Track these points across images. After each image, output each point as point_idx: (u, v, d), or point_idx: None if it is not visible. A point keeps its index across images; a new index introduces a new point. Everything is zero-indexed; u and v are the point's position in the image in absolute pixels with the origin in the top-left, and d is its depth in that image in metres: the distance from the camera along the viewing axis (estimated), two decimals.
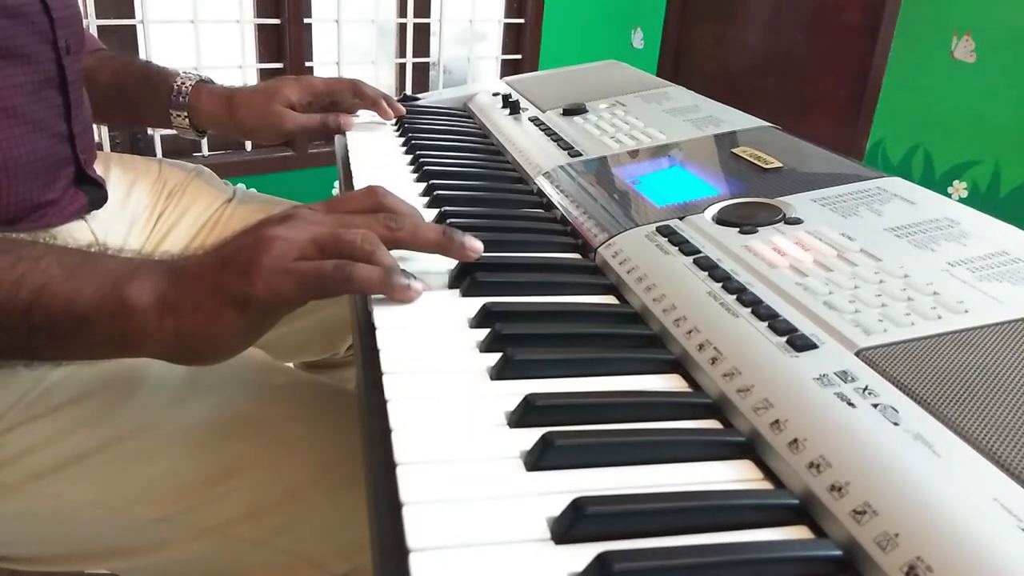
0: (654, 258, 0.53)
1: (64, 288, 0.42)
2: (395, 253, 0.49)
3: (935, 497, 0.30)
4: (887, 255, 0.48)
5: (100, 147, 0.79)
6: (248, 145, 1.96)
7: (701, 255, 0.51)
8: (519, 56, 2.39)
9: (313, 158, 2.03)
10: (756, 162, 0.66)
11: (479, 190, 0.73)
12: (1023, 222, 0.51)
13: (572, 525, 0.31)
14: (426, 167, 0.77)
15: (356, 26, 2.08)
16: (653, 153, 0.74)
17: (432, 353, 0.44)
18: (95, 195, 0.73)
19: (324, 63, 2.02)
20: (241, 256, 0.44)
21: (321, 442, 0.57)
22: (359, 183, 0.73)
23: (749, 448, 0.38)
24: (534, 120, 0.89)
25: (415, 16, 2.15)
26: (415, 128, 0.91)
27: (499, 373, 0.42)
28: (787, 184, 0.61)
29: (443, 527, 0.31)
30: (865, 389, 0.37)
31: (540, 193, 0.72)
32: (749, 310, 0.44)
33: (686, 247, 0.52)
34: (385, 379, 0.40)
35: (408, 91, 2.17)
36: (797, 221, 0.54)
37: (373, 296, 0.48)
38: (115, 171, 0.83)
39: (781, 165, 0.65)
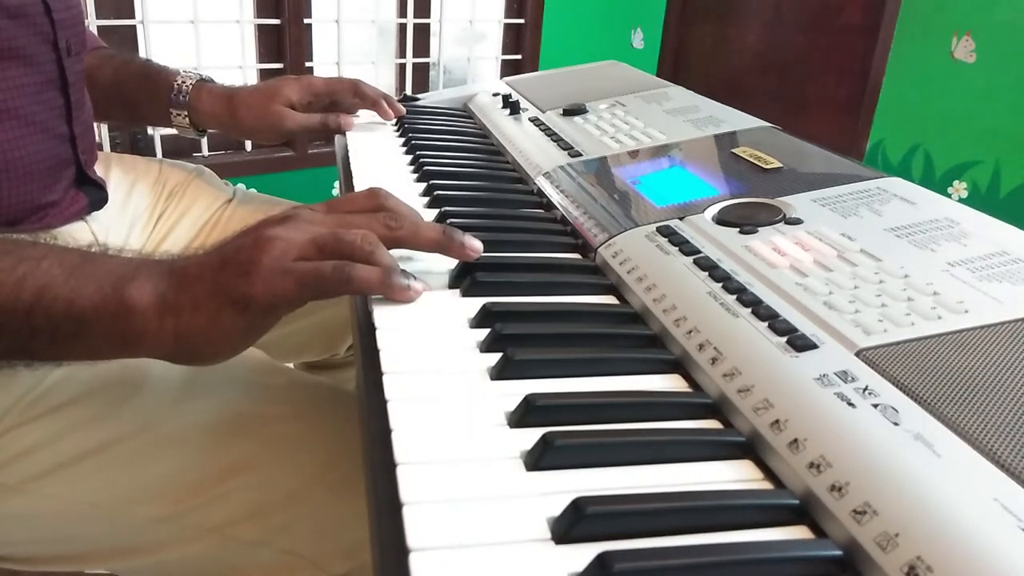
0: (654, 258, 0.53)
1: (65, 289, 0.43)
2: (395, 253, 0.49)
3: (935, 497, 0.30)
4: (887, 255, 0.48)
5: (100, 147, 0.79)
6: (248, 145, 1.96)
7: (701, 255, 0.51)
8: (519, 56, 2.39)
9: (313, 158, 2.03)
10: (756, 162, 0.66)
11: (479, 190, 0.73)
12: (1023, 222, 0.51)
13: (572, 525, 0.31)
14: (426, 167, 0.77)
15: (356, 26, 2.08)
16: (653, 153, 0.74)
17: (432, 353, 0.44)
18: (96, 196, 0.73)
19: (324, 63, 2.02)
20: (241, 256, 0.44)
21: (321, 442, 0.57)
22: (359, 183, 0.73)
23: (749, 448, 0.38)
24: (534, 120, 0.90)
25: (415, 16, 2.15)
26: (415, 128, 0.91)
27: (499, 373, 0.42)
28: (787, 184, 0.61)
29: (443, 527, 0.31)
30: (865, 389, 0.37)
31: (540, 193, 0.72)
32: (749, 310, 0.44)
33: (686, 247, 0.52)
34: (385, 379, 0.40)
35: (408, 91, 2.18)
36: (797, 221, 0.54)
37: (373, 296, 0.48)
38: (115, 172, 0.83)
39: (781, 165, 0.65)
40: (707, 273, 0.49)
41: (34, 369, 0.54)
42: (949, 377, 0.37)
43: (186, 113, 0.85)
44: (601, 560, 0.29)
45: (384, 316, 0.46)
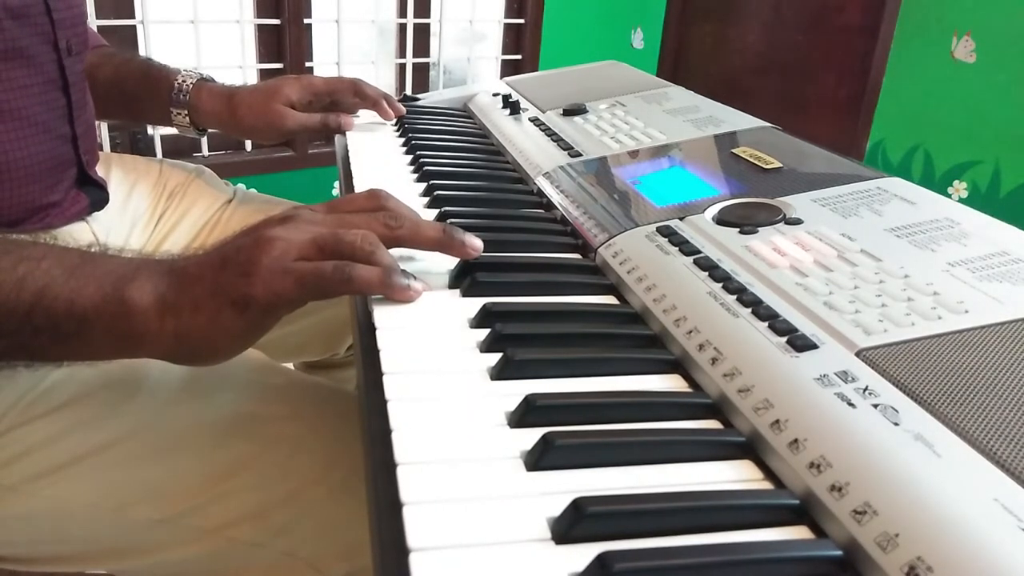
0: (654, 258, 0.53)
1: (65, 289, 0.42)
2: (395, 253, 0.49)
3: (935, 497, 0.30)
4: (887, 255, 0.48)
5: (100, 147, 0.78)
6: (248, 145, 1.96)
7: (701, 255, 0.51)
8: (519, 56, 2.39)
9: (313, 158, 2.03)
10: (756, 162, 0.66)
11: (479, 190, 0.73)
12: (1023, 222, 0.51)
13: (572, 525, 0.31)
14: (426, 167, 0.77)
15: (356, 26, 2.08)
16: (653, 153, 0.74)
17: (432, 353, 0.44)
18: (97, 196, 0.73)
19: (324, 63, 2.02)
20: (241, 256, 0.44)
21: (321, 443, 0.57)
22: (359, 183, 0.73)
23: (749, 448, 0.38)
24: (534, 120, 0.90)
25: (415, 16, 2.15)
26: (415, 128, 0.91)
27: (499, 373, 0.42)
28: (787, 184, 0.61)
29: (443, 527, 0.31)
30: (865, 389, 0.37)
31: (540, 193, 0.72)
32: (749, 310, 0.44)
33: (686, 247, 0.52)
34: (385, 379, 0.40)
35: (408, 91, 2.18)
36: (797, 221, 0.54)
37: (373, 296, 0.48)
38: (116, 172, 0.83)
39: (781, 165, 0.65)
40: (707, 273, 0.49)
41: (34, 369, 0.54)
42: (949, 377, 0.37)
43: (186, 112, 0.85)
44: (601, 560, 0.29)
45: (384, 316, 0.46)
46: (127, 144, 1.72)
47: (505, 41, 2.40)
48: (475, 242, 0.51)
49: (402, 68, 2.21)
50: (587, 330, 0.49)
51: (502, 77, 1.55)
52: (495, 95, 1.03)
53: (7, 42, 0.59)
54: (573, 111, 0.88)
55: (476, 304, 0.48)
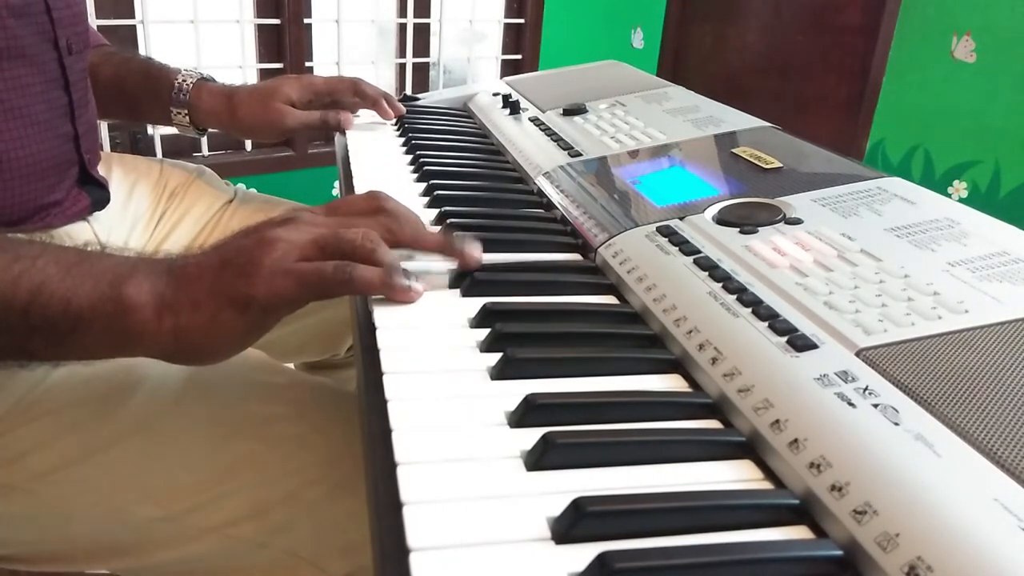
0: (654, 258, 0.53)
1: (61, 287, 0.42)
2: (395, 253, 0.49)
3: (935, 497, 0.30)
4: (887, 255, 0.48)
5: (101, 147, 0.78)
6: (248, 145, 1.96)
7: (701, 255, 0.51)
8: (519, 56, 2.39)
9: (313, 158, 2.03)
10: (756, 162, 0.66)
11: (479, 190, 0.73)
12: (1023, 222, 0.51)
13: (572, 525, 0.31)
14: (426, 167, 0.77)
15: (356, 26, 2.07)
16: (653, 153, 0.74)
17: (432, 353, 0.44)
18: (98, 196, 0.73)
19: (324, 63, 2.02)
20: (242, 257, 0.44)
21: (321, 442, 0.57)
22: (359, 183, 0.73)
23: (749, 448, 0.38)
24: (534, 120, 0.90)
25: (415, 16, 2.15)
26: (415, 128, 0.91)
27: (499, 373, 0.42)
28: (787, 184, 0.61)
29: (443, 527, 0.31)
30: (865, 389, 0.37)
31: (540, 193, 0.72)
32: (749, 310, 0.44)
33: (686, 247, 0.52)
34: (385, 379, 0.40)
35: (408, 91, 2.17)
36: (797, 221, 0.54)
37: (373, 296, 0.48)
38: (117, 172, 0.83)
39: (781, 165, 0.65)
40: (707, 273, 0.49)
41: (31, 369, 0.54)
42: (949, 377, 0.37)
43: (186, 112, 0.84)
44: (601, 560, 0.29)
45: (384, 316, 0.46)
46: (127, 144, 1.72)
47: (505, 41, 2.40)
48: (475, 253, 0.51)
49: (402, 68, 2.21)
50: (587, 330, 0.49)
51: (502, 77, 1.55)
52: (495, 95, 1.03)
53: (9, 40, 0.58)
54: (573, 111, 0.88)
55: (476, 304, 0.48)
